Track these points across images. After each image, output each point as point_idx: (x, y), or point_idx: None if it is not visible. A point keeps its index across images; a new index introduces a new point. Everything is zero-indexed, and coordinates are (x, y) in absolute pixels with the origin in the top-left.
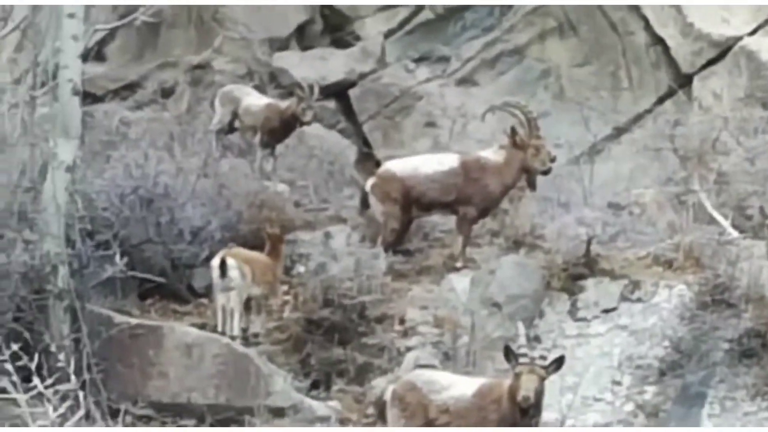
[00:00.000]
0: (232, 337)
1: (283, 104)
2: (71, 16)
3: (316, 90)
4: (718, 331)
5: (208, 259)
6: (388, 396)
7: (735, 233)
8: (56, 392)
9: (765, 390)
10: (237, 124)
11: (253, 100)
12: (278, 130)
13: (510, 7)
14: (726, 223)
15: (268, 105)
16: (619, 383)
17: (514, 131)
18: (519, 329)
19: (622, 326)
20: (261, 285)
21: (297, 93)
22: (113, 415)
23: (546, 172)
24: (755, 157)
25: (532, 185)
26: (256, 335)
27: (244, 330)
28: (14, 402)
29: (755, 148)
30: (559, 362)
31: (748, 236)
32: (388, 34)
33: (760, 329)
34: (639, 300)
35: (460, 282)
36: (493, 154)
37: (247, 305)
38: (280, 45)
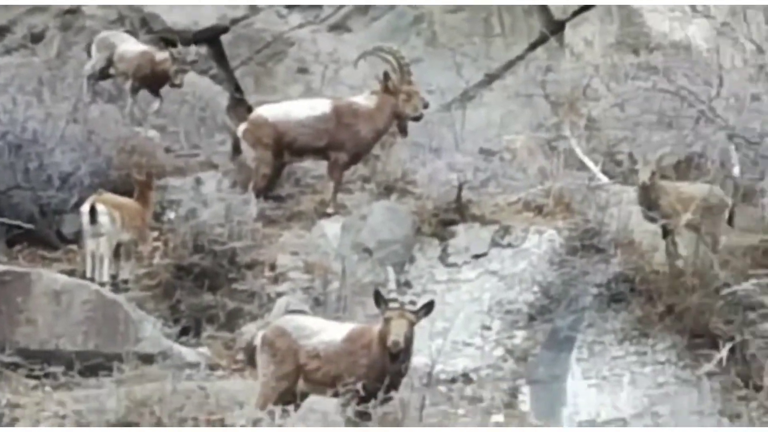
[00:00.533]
0: (102, 284)
1: (159, 55)
2: None
3: (193, 51)
4: (587, 276)
5: (78, 205)
6: (257, 341)
7: (605, 179)
8: None
9: (633, 334)
10: (112, 70)
11: (129, 46)
12: (149, 78)
13: None
14: (596, 169)
15: (143, 53)
16: (488, 328)
17: (386, 76)
18: (389, 274)
19: (492, 271)
20: (130, 231)
21: (172, 53)
22: None
23: (417, 118)
24: (625, 103)
25: (403, 131)
26: (125, 281)
27: (114, 276)
28: None
29: (625, 93)
30: (428, 307)
31: (618, 182)
32: None
33: (629, 274)
34: (509, 245)
35: (331, 228)
36: (365, 100)
37: (117, 251)
38: None
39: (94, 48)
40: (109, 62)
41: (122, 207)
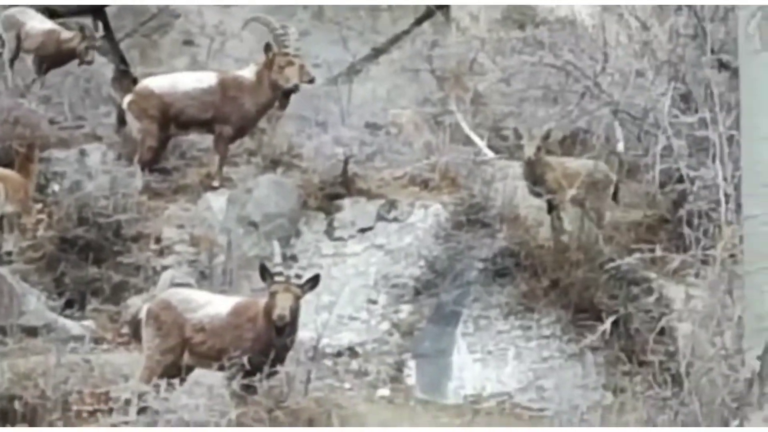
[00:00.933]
0: None
1: (66, 34)
2: None
3: (101, 29)
4: (472, 251)
5: None
6: (143, 315)
7: (490, 154)
8: None
9: (518, 309)
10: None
11: (36, 24)
12: (53, 57)
13: None
14: (482, 144)
15: (49, 31)
16: (374, 302)
17: (267, 47)
18: (275, 248)
19: (378, 245)
20: (13, 203)
21: (83, 29)
22: None
23: (293, 90)
24: (511, 78)
25: (281, 104)
26: (8, 254)
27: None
28: None
29: (511, 68)
30: (314, 281)
31: (504, 157)
32: None
33: (514, 249)
34: (395, 219)
35: (216, 201)
36: (248, 73)
37: None
38: None
39: (0, 27)
40: (19, 39)
41: (4, 179)
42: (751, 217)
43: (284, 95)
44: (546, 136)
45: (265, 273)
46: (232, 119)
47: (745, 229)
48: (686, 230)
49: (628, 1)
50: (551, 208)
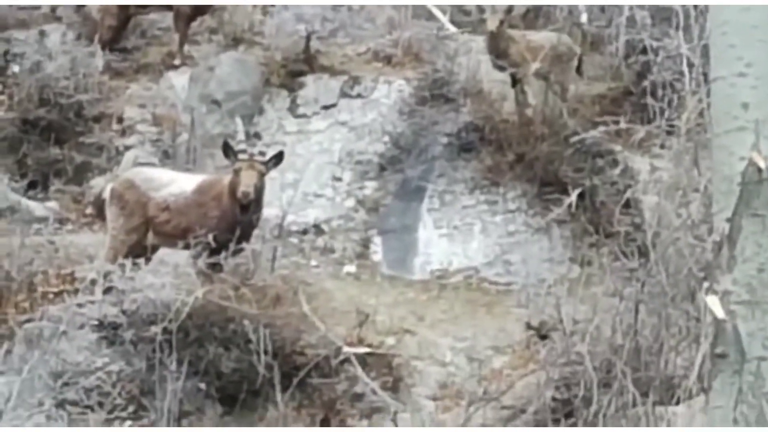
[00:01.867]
0: None
1: None
2: None
3: None
4: (437, 126)
5: None
6: (106, 194)
7: (453, 28)
8: None
9: (483, 183)
10: None
11: None
12: None
13: None
14: (444, 19)
15: None
16: (339, 179)
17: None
18: (238, 125)
19: (342, 122)
20: None
21: None
22: None
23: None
24: None
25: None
26: None
27: None
28: None
29: None
30: (278, 158)
31: (467, 31)
32: None
33: (479, 123)
34: (359, 96)
35: (178, 79)
36: None
37: None
38: None
39: None
40: None
41: None
42: (719, 78)
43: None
44: (508, 10)
45: (228, 150)
46: None
47: (713, 91)
48: (650, 101)
49: None
50: (515, 81)
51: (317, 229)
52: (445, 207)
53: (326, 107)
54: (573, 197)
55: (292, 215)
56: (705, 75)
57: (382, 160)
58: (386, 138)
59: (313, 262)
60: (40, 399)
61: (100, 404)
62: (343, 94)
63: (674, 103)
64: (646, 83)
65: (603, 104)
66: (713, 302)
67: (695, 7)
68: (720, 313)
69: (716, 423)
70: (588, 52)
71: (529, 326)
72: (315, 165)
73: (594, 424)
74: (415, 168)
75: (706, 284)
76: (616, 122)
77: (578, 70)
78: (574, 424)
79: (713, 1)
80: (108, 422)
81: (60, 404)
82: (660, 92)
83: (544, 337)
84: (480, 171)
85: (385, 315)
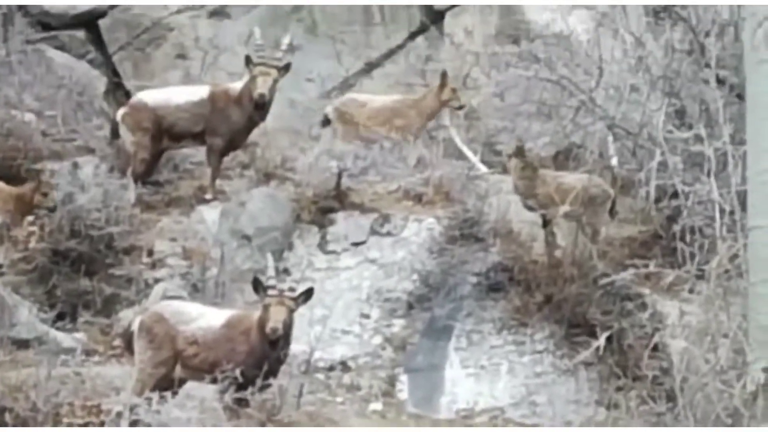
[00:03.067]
0: None
1: None
2: None
3: None
4: (466, 265)
5: None
6: (135, 327)
7: (484, 168)
8: None
9: (511, 324)
10: None
11: None
12: None
13: None
14: (475, 159)
15: None
16: (367, 316)
17: (248, 59)
18: (268, 261)
19: (371, 259)
20: (2, 214)
21: None
22: None
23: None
24: (504, 92)
25: (258, 115)
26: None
27: None
28: None
29: (505, 82)
30: (308, 294)
31: (497, 171)
32: None
33: (507, 263)
34: (388, 234)
35: (209, 214)
36: (237, 85)
37: None
38: None
39: None
40: None
41: None
42: (756, 227)
43: (256, 107)
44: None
45: (258, 286)
46: (221, 131)
47: (750, 240)
48: (680, 245)
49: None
50: (545, 223)
51: (344, 366)
52: (473, 346)
53: (356, 244)
54: (602, 340)
55: (320, 351)
56: (735, 221)
57: (411, 298)
58: (415, 276)
59: (339, 399)
60: None
61: None
62: (373, 232)
63: (705, 248)
64: (676, 227)
65: (632, 247)
66: None
67: (727, 153)
68: None
69: None
70: (618, 195)
71: None
72: (343, 302)
73: None
74: (444, 307)
75: None
76: (646, 265)
77: (611, 212)
78: None
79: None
80: None
81: None
82: (689, 237)
83: None
84: (508, 311)
85: None
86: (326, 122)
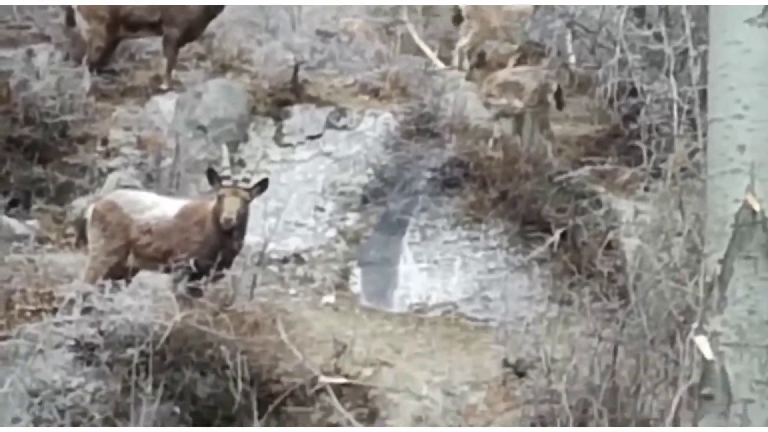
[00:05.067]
0: None
1: None
2: None
3: None
4: (421, 160)
5: None
6: (88, 215)
7: (441, 64)
8: None
9: (465, 219)
10: None
11: None
12: None
13: None
14: (432, 55)
15: None
16: (322, 209)
17: None
18: (223, 152)
19: (326, 153)
20: None
21: None
22: None
23: None
24: None
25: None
26: None
27: None
28: None
29: None
30: (262, 185)
31: (454, 68)
32: None
33: (463, 159)
34: (344, 127)
35: (165, 104)
36: None
37: None
38: None
39: None
40: None
41: None
42: (716, 120)
43: None
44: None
45: (213, 176)
46: (178, 21)
47: (710, 133)
48: (638, 143)
49: None
50: (499, 118)
51: (297, 258)
52: (427, 241)
53: (311, 137)
54: (556, 236)
55: (273, 243)
56: (693, 120)
57: (365, 192)
58: (370, 170)
59: (292, 291)
60: (16, 416)
61: (75, 424)
62: (329, 125)
63: (662, 147)
64: (633, 126)
65: (588, 146)
66: (702, 342)
67: (686, 51)
68: (708, 354)
69: None
70: (575, 94)
71: (506, 363)
72: (298, 194)
73: None
74: (398, 201)
75: (695, 325)
76: (603, 162)
77: (559, 105)
78: None
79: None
80: None
81: (36, 421)
82: (647, 135)
83: (521, 375)
84: (462, 207)
85: (363, 346)
86: None
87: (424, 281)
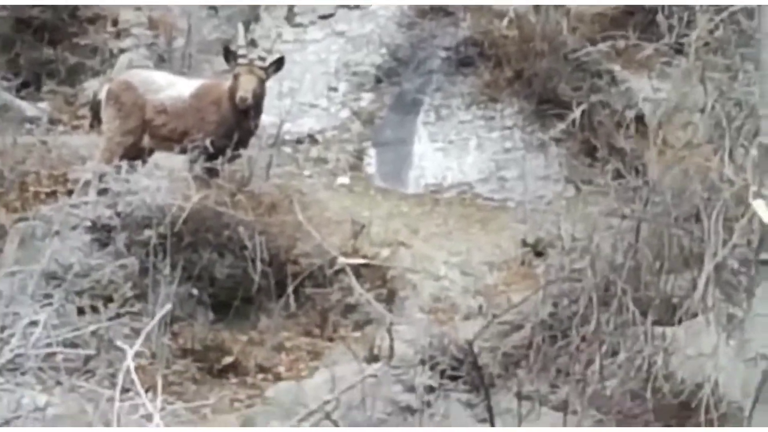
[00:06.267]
0: None
1: None
2: None
3: None
4: (435, 39)
5: None
6: (102, 95)
7: None
8: None
9: (480, 99)
10: None
11: None
12: None
13: None
14: None
15: None
16: (335, 89)
17: None
18: (239, 30)
19: (339, 32)
20: None
21: None
22: None
23: None
24: None
25: None
26: None
27: None
28: None
29: None
30: (278, 64)
31: None
32: None
33: (478, 38)
34: (357, 6)
35: None
36: None
37: None
38: None
39: None
40: None
41: None
42: None
43: None
44: None
45: (228, 55)
46: None
47: None
48: (660, 18)
49: None
50: None
51: (311, 139)
52: (441, 121)
53: (324, 17)
54: (577, 113)
55: (287, 124)
56: None
57: (379, 72)
58: (383, 50)
59: (307, 172)
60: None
61: (93, 306)
62: (341, 5)
63: (684, 21)
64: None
65: (603, 23)
66: (760, 206)
67: None
68: (766, 218)
69: (758, 331)
70: None
71: (525, 243)
72: (311, 75)
73: (591, 342)
74: (412, 81)
75: (753, 188)
76: (625, 37)
77: None
78: (570, 343)
79: None
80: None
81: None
82: (667, 9)
83: (539, 254)
84: (477, 86)
85: (380, 227)
86: None
87: (440, 161)
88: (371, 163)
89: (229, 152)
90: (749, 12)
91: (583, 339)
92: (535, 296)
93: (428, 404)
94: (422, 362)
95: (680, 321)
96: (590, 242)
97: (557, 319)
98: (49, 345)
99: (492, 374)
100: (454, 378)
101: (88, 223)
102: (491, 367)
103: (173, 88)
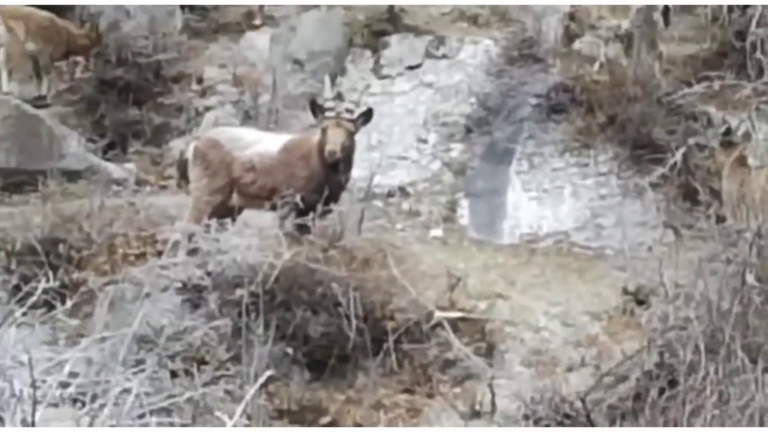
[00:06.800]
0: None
1: None
2: None
3: None
4: (525, 86)
5: None
6: (189, 154)
7: None
8: None
9: (573, 145)
10: None
11: None
12: None
13: None
14: None
15: None
16: (425, 141)
17: None
18: (326, 83)
19: (427, 83)
20: (37, 41)
21: None
22: None
23: None
24: None
25: None
26: (43, 97)
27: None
28: None
29: None
30: (367, 115)
31: None
32: None
33: (568, 84)
34: (444, 56)
35: (259, 39)
36: None
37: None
38: None
39: None
40: None
41: (26, 16)
42: None
43: None
44: None
45: (315, 108)
46: None
47: None
48: (757, 56)
49: None
50: (606, 41)
51: (402, 192)
52: (534, 170)
53: (411, 68)
54: (678, 156)
55: (378, 177)
56: None
57: (469, 122)
58: (473, 99)
59: (399, 226)
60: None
61: (186, 369)
62: (428, 55)
63: None
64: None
65: (695, 65)
66: None
67: None
68: None
69: None
70: (679, 13)
71: (625, 291)
72: (400, 127)
73: (700, 392)
74: (503, 130)
75: None
76: (722, 77)
77: (666, 22)
78: (678, 393)
79: None
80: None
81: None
82: (760, 48)
83: (641, 303)
84: (570, 133)
85: (476, 279)
86: None
87: (534, 210)
88: (464, 214)
89: (319, 207)
90: None
91: (692, 388)
92: (638, 345)
93: None
94: (525, 417)
95: None
96: (694, 288)
97: (664, 369)
98: (142, 416)
99: (597, 425)
100: None
101: (179, 284)
102: (597, 420)
103: (260, 144)
